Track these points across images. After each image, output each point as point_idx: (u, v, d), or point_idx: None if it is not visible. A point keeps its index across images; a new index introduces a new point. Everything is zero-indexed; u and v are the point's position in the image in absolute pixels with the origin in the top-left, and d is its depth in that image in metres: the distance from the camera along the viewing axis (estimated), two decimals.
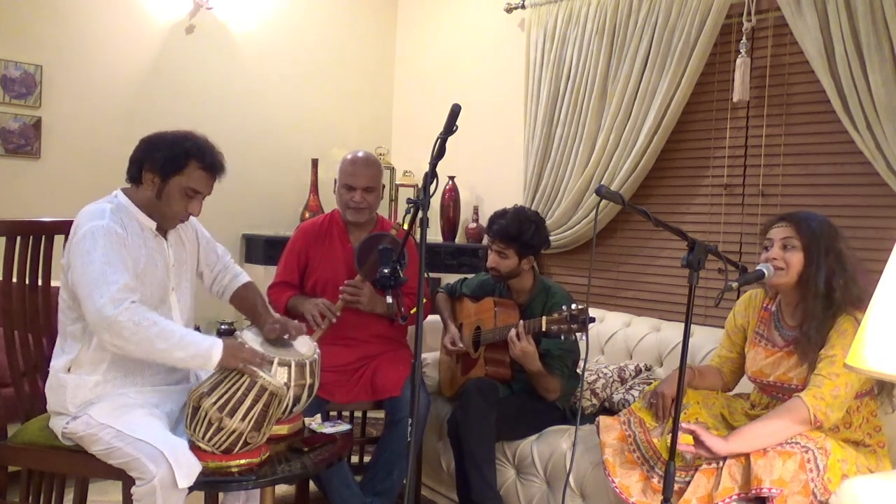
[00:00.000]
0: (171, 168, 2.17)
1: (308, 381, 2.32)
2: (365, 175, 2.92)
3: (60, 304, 2.19)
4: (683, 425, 2.02)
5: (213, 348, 2.10)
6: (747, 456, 1.99)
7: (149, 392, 2.21)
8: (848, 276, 2.10)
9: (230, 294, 2.55)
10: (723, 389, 2.45)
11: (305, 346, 2.44)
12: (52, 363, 2.19)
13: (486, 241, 2.99)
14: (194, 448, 2.07)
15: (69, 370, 2.14)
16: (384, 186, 3.07)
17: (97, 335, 2.07)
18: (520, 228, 2.84)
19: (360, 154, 3.00)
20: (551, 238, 3.30)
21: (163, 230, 2.27)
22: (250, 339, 2.32)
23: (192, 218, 2.42)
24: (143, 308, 2.06)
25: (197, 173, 2.19)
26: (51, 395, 2.17)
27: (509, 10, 4.06)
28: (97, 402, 2.11)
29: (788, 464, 1.93)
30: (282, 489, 3.18)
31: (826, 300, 2.11)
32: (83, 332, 2.14)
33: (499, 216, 2.92)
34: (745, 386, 2.44)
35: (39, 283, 2.35)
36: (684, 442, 2.01)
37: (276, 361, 2.23)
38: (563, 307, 2.48)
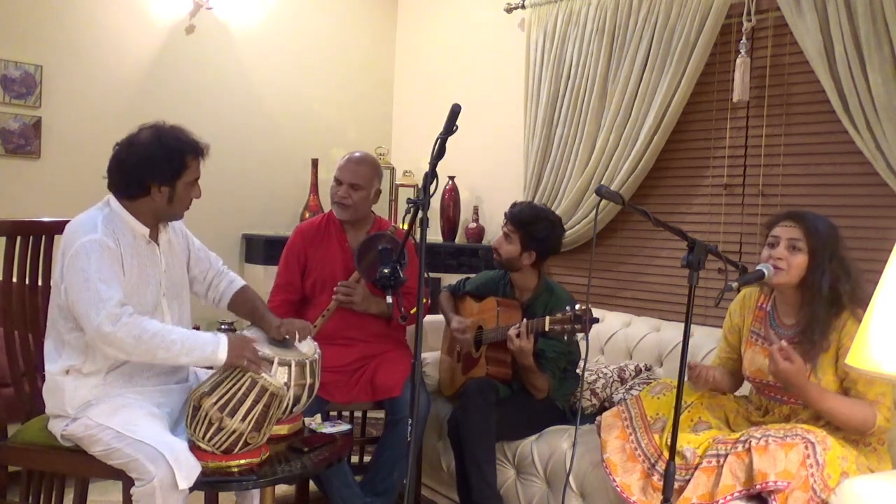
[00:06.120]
0: (177, 173, 2.20)
1: (308, 380, 2.32)
2: (352, 171, 2.91)
3: (54, 313, 2.17)
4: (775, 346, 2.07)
5: (218, 351, 2.11)
6: (749, 452, 1.98)
7: (149, 392, 2.21)
8: (853, 280, 2.12)
9: (228, 299, 2.52)
10: (730, 390, 2.45)
11: (306, 345, 2.44)
12: (48, 367, 2.17)
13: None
14: (194, 448, 2.07)
15: (67, 373, 2.13)
16: (380, 192, 3.04)
17: (98, 350, 2.08)
18: (533, 218, 2.88)
19: (357, 153, 3.01)
20: None
21: (154, 235, 2.27)
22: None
23: (183, 227, 2.44)
24: (141, 319, 2.06)
25: (194, 164, 2.25)
26: (49, 397, 2.16)
27: (509, 10, 4.06)
28: (96, 404, 2.11)
29: (791, 455, 1.92)
30: (282, 489, 3.18)
31: (829, 304, 2.12)
32: (85, 345, 2.12)
33: (520, 202, 2.99)
34: (745, 387, 2.44)
35: (39, 283, 2.34)
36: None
37: (276, 361, 2.23)
38: (568, 308, 2.49)
